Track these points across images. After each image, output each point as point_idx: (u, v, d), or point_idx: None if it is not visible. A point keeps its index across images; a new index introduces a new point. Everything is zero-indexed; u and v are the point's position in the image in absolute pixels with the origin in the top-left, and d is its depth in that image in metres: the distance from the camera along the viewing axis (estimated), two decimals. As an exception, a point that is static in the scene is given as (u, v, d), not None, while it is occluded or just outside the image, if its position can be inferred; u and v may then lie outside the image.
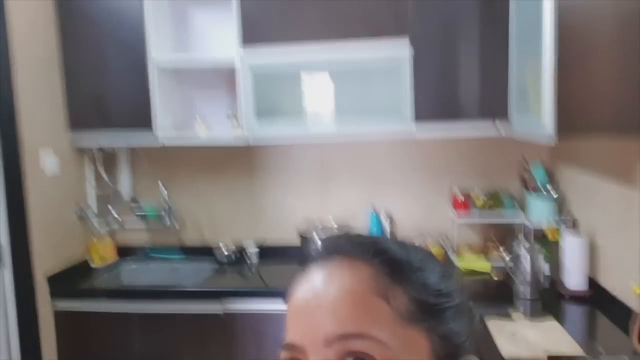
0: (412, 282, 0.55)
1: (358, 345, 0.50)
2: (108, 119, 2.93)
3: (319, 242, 0.59)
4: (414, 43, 2.66)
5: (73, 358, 2.83)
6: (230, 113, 2.93)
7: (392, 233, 3.08)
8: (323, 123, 2.79)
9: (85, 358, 2.81)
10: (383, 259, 0.55)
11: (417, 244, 0.64)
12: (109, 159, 3.26)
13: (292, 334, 0.55)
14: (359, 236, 0.60)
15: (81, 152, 3.10)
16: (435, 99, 2.69)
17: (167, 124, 3.01)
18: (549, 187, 2.73)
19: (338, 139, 2.82)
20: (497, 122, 2.61)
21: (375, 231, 3.05)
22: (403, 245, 0.60)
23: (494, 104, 2.62)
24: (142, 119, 2.89)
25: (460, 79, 2.67)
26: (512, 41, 2.27)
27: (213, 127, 3.06)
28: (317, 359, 0.52)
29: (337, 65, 2.74)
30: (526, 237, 2.76)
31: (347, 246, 0.57)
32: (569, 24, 1.75)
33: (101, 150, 3.18)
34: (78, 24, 2.90)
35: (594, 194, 2.39)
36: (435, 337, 0.54)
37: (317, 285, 0.55)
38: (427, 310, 0.54)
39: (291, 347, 0.54)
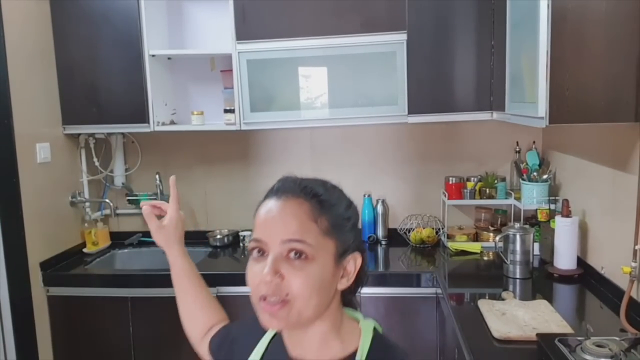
0: (330, 213, 0.92)
1: (297, 245, 0.88)
2: (103, 114, 2.92)
3: (277, 182, 0.98)
4: (409, 38, 2.65)
5: (67, 343, 2.84)
6: (227, 107, 2.92)
7: (384, 215, 3.10)
8: (317, 112, 2.79)
9: (79, 343, 2.83)
10: (316, 199, 0.92)
11: (334, 184, 1.00)
12: (101, 145, 3.25)
13: (259, 233, 0.91)
14: (302, 181, 0.95)
15: (73, 138, 3.09)
16: (430, 93, 2.69)
17: (163, 119, 3.01)
18: (541, 170, 2.75)
19: (331, 123, 2.82)
20: (493, 113, 2.63)
21: (367, 215, 3.07)
22: (327, 188, 0.96)
23: (489, 96, 2.63)
24: (137, 114, 2.88)
25: (455, 71, 2.67)
26: (508, 31, 2.28)
27: (208, 119, 3.06)
28: (275, 251, 0.88)
29: (332, 58, 2.74)
30: (517, 219, 2.79)
31: (296, 189, 0.93)
32: (564, 13, 1.75)
33: (93, 136, 3.16)
34: (73, 19, 2.86)
35: (585, 177, 2.41)
36: (337, 242, 0.92)
37: (276, 209, 0.91)
38: (337, 228, 0.92)
39: (258, 241, 0.90)
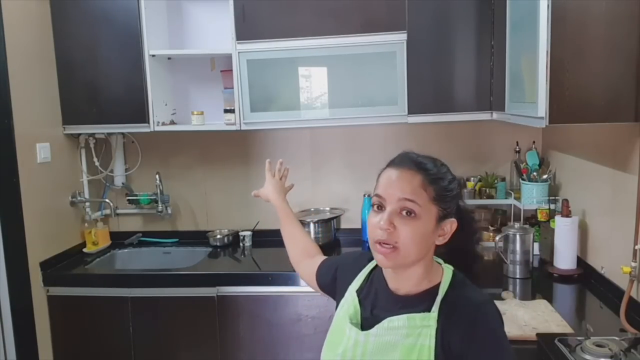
0: (437, 184, 1.16)
1: (409, 204, 1.13)
2: (103, 114, 2.91)
3: (397, 156, 1.25)
4: (409, 38, 2.65)
5: (67, 343, 2.84)
6: (227, 107, 2.91)
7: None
8: (317, 112, 2.79)
9: (79, 343, 2.82)
10: (426, 173, 1.16)
11: (442, 162, 1.23)
12: (101, 145, 3.25)
13: (381, 192, 1.17)
14: (418, 157, 1.20)
15: (73, 138, 3.09)
16: (430, 93, 2.69)
17: (163, 119, 3.01)
18: (541, 170, 2.75)
19: (331, 123, 2.82)
20: (493, 113, 2.63)
21: (367, 214, 3.06)
22: (436, 165, 1.20)
23: (489, 96, 2.63)
24: (137, 114, 2.88)
25: (455, 71, 2.67)
26: (508, 31, 2.28)
27: (208, 119, 3.05)
28: (391, 206, 1.14)
29: (332, 58, 2.74)
30: (517, 219, 2.79)
31: (412, 164, 1.18)
32: (564, 13, 1.75)
33: (93, 136, 3.16)
34: (73, 19, 2.86)
35: (585, 177, 2.41)
36: (440, 208, 1.16)
37: (396, 175, 1.17)
38: (440, 197, 1.16)
39: (380, 197, 1.17)
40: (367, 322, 1.22)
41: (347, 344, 1.20)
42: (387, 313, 1.19)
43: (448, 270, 1.21)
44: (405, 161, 1.19)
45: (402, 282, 1.21)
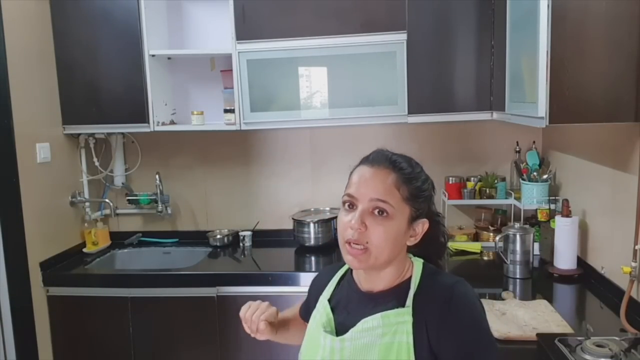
0: (411, 184, 1.15)
1: (381, 204, 1.11)
2: (103, 114, 2.91)
3: (372, 153, 1.22)
4: (409, 38, 2.65)
5: (67, 343, 2.84)
6: (227, 107, 2.91)
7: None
8: (317, 112, 2.79)
9: (78, 343, 2.82)
10: (401, 172, 1.15)
11: (417, 162, 1.23)
12: (101, 145, 3.25)
13: (353, 191, 1.15)
14: (392, 156, 1.18)
15: (73, 138, 3.09)
16: (430, 93, 2.69)
17: (163, 119, 3.01)
18: (541, 170, 2.75)
19: (331, 123, 2.82)
20: (493, 113, 2.63)
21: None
22: (411, 165, 1.19)
23: (489, 96, 2.63)
24: (137, 114, 2.88)
25: (455, 71, 2.67)
26: (508, 31, 2.28)
27: (208, 119, 3.05)
28: (363, 206, 1.12)
29: (332, 58, 2.74)
30: (517, 219, 2.79)
31: (387, 162, 1.16)
32: (564, 13, 1.75)
33: (93, 136, 3.16)
34: (73, 19, 2.86)
35: (585, 177, 2.41)
36: (412, 208, 1.15)
37: (369, 174, 1.15)
38: (413, 197, 1.15)
39: (351, 196, 1.15)
40: (341, 327, 1.19)
41: (323, 353, 1.17)
42: (361, 314, 1.16)
43: (418, 263, 1.20)
44: (379, 159, 1.18)
45: (375, 283, 1.19)
